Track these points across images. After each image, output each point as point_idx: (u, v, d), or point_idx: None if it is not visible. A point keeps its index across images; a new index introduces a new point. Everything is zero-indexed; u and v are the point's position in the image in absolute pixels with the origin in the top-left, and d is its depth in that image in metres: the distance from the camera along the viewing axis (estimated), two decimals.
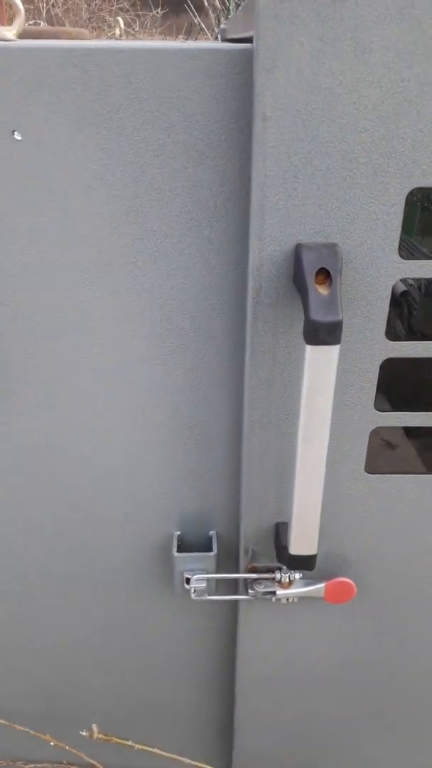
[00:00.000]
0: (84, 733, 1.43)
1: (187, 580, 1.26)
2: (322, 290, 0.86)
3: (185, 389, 1.13)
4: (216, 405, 1.14)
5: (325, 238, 0.91)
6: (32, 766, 1.74)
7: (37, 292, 1.04)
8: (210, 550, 1.27)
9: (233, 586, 1.33)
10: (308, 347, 0.87)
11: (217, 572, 1.27)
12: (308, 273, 0.87)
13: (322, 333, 0.85)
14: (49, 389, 1.14)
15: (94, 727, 1.48)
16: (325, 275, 0.88)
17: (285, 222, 0.90)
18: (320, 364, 0.88)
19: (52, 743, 1.65)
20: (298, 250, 0.90)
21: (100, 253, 1.01)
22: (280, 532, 1.17)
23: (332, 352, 0.87)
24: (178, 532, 1.30)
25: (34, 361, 1.11)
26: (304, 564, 1.09)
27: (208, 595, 1.26)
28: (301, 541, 1.06)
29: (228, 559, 1.32)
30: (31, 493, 1.26)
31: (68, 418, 1.16)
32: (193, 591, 1.26)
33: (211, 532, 1.30)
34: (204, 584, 1.25)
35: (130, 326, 1.07)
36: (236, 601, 1.34)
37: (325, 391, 0.90)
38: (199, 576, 1.25)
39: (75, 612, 1.43)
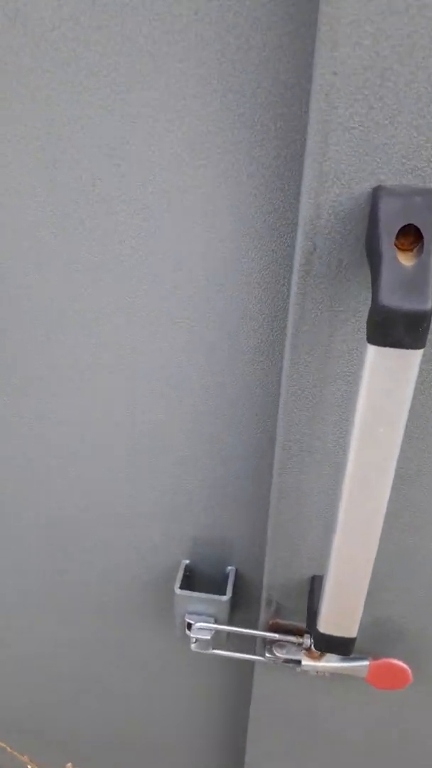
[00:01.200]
0: None
1: (189, 626, 0.98)
2: (405, 260, 0.54)
3: (208, 390, 0.83)
4: (246, 413, 0.84)
5: (421, 181, 0.58)
6: None
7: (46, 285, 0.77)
8: (223, 591, 0.98)
9: (249, 640, 1.04)
10: (371, 348, 0.55)
11: (229, 621, 0.98)
12: (386, 231, 0.55)
13: (397, 327, 0.53)
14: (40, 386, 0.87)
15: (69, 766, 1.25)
16: (413, 237, 0.55)
17: (360, 150, 0.57)
18: (389, 376, 0.56)
19: (28, 766, 1.44)
20: (376, 195, 0.58)
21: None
22: (315, 590, 0.86)
23: (410, 359, 0.55)
24: (187, 562, 1.02)
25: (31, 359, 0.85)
26: (338, 647, 0.78)
27: (213, 648, 0.98)
28: (336, 619, 0.75)
29: (246, 605, 1.03)
30: (16, 508, 1.01)
31: (62, 420, 0.90)
32: (194, 641, 0.97)
33: (228, 569, 1.01)
34: (208, 636, 0.96)
35: (129, 300, 0.78)
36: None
37: (393, 418, 0.58)
38: (203, 625, 0.96)
39: (66, 642, 1.18)
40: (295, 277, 0.65)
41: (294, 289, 0.66)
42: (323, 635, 0.77)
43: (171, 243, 0.74)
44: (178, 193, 0.71)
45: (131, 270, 0.77)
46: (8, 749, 1.43)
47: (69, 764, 1.28)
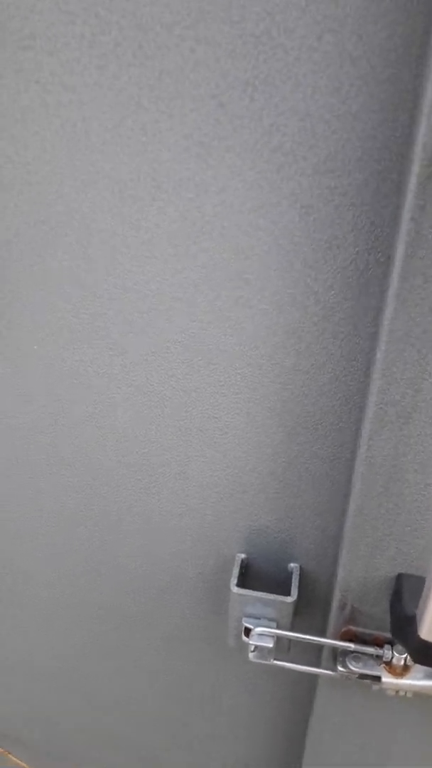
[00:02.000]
0: None
1: (247, 631, 0.84)
2: None
3: (277, 351, 0.70)
4: (325, 377, 0.71)
5: None
6: None
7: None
8: (287, 592, 0.84)
9: (314, 651, 0.90)
10: None
11: (292, 627, 0.84)
12: None
13: None
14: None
15: None
16: None
17: None
18: None
19: None
20: None
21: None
22: (403, 591, 0.72)
23: None
24: (243, 556, 0.88)
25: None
26: None
27: (275, 659, 0.84)
28: None
29: (309, 610, 0.89)
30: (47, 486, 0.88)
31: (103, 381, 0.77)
32: (252, 649, 0.83)
33: (291, 566, 0.87)
34: (270, 643, 0.82)
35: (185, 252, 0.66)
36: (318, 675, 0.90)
37: None
38: (264, 630, 0.82)
39: (97, 643, 1.05)
40: (402, 237, 0.52)
41: (398, 255, 0.53)
42: (424, 643, 0.62)
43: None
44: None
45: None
46: None
47: None
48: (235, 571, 0.85)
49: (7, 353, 0.79)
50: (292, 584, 0.84)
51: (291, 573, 0.86)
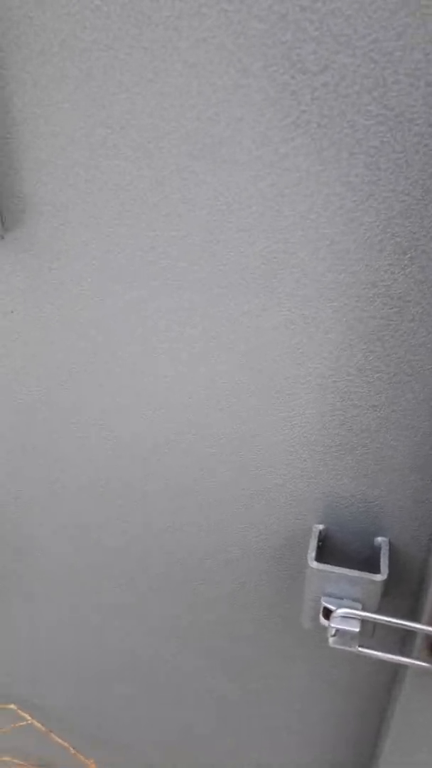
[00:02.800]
0: None
1: (326, 613, 0.73)
2: None
3: (374, 274, 0.58)
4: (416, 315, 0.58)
5: None
6: None
7: None
8: (375, 569, 0.72)
9: (396, 637, 0.78)
10: None
11: (379, 610, 0.73)
12: None
13: None
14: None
15: None
16: None
17: None
18: None
19: None
20: None
21: None
22: None
23: None
24: (321, 527, 0.76)
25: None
26: None
27: (360, 645, 0.72)
28: None
29: (400, 591, 0.77)
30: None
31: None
32: (333, 633, 0.72)
33: (378, 540, 0.75)
34: (357, 628, 0.71)
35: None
36: (400, 666, 0.79)
37: None
38: (348, 611, 0.71)
39: (154, 622, 0.95)
40: None
41: None
42: None
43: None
44: None
45: None
46: (71, 751, 1.22)
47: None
48: (313, 543, 0.74)
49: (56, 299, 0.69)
50: (381, 561, 0.72)
51: (377, 548, 0.75)
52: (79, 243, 0.65)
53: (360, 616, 0.70)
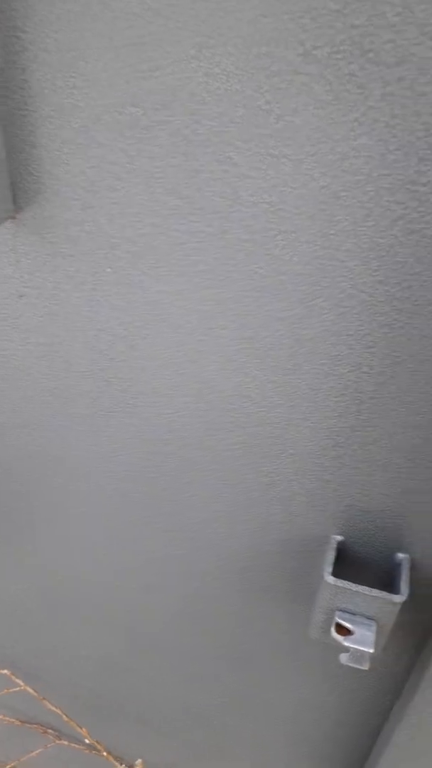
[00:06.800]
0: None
1: (339, 629, 0.70)
2: None
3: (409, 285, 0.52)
4: None
5: None
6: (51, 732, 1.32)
7: None
8: (395, 589, 0.69)
9: (409, 650, 0.76)
10: None
11: (392, 632, 0.70)
12: None
13: None
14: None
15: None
16: None
17: None
18: None
19: (87, 740, 1.23)
20: None
21: None
22: None
23: None
24: (340, 539, 0.73)
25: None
26: None
27: (371, 663, 0.70)
28: None
29: (417, 607, 0.74)
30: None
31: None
32: (345, 651, 0.69)
33: (400, 556, 0.71)
34: (372, 649, 0.68)
35: None
36: (411, 683, 0.76)
37: None
38: (365, 633, 0.68)
39: (169, 618, 0.92)
40: None
41: None
42: None
43: None
44: None
45: None
46: (64, 718, 1.22)
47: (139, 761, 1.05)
48: (330, 557, 0.70)
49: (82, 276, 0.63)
50: (402, 580, 0.69)
51: (396, 563, 0.72)
52: (100, 231, 0.58)
53: (373, 638, 0.67)
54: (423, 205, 0.47)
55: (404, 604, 0.74)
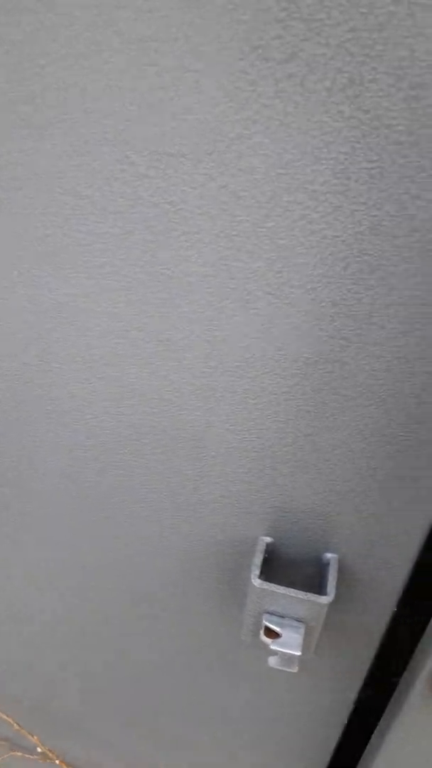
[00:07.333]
0: None
1: (268, 632, 0.70)
2: None
3: (333, 293, 0.51)
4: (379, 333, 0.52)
5: None
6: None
7: None
8: (321, 590, 0.68)
9: (346, 650, 0.75)
10: None
11: (325, 627, 0.69)
12: None
13: None
14: None
15: None
16: None
17: None
18: None
19: (39, 749, 1.21)
20: None
21: None
22: None
23: None
24: (269, 540, 0.72)
25: None
26: None
27: (298, 666, 0.69)
28: None
29: (347, 606, 0.74)
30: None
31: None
32: (273, 654, 0.69)
33: (328, 556, 0.71)
34: (298, 651, 0.67)
35: None
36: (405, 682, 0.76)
37: None
38: (292, 635, 0.67)
39: (106, 624, 0.90)
40: None
41: None
42: None
43: None
44: None
45: None
46: (15, 727, 1.19)
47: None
48: (257, 560, 0.69)
49: None
50: (329, 581, 0.68)
51: (326, 565, 0.71)
52: (4, 231, 0.56)
53: (300, 640, 0.67)
54: (321, 206, 0.46)
55: (336, 604, 0.74)
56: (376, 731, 0.80)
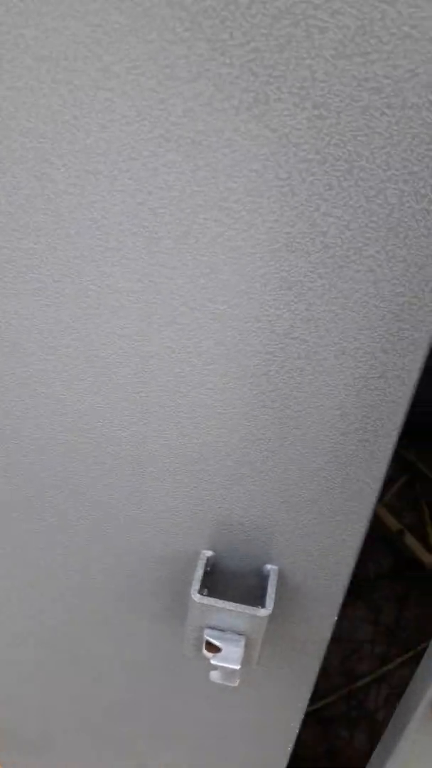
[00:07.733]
0: None
1: (209, 646, 0.69)
2: None
3: (265, 310, 0.52)
4: (329, 351, 0.53)
5: None
6: None
7: None
8: (259, 602, 0.68)
9: (292, 660, 0.75)
10: None
11: (267, 639, 0.69)
12: None
13: None
14: None
15: None
16: None
17: None
18: None
19: None
20: None
21: None
22: None
23: None
24: (210, 554, 0.72)
25: None
26: None
27: (239, 680, 0.69)
28: None
29: (290, 618, 0.74)
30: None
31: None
32: (213, 668, 0.69)
33: (268, 568, 0.71)
34: (237, 665, 0.67)
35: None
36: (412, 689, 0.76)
37: None
38: (232, 649, 0.67)
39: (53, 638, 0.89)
40: None
41: None
42: None
43: None
44: None
45: None
46: None
47: None
48: (198, 574, 0.69)
49: None
50: (268, 593, 0.68)
51: (266, 577, 0.71)
52: None
53: (239, 654, 0.67)
54: (237, 223, 0.47)
55: (279, 615, 0.74)
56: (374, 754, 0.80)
